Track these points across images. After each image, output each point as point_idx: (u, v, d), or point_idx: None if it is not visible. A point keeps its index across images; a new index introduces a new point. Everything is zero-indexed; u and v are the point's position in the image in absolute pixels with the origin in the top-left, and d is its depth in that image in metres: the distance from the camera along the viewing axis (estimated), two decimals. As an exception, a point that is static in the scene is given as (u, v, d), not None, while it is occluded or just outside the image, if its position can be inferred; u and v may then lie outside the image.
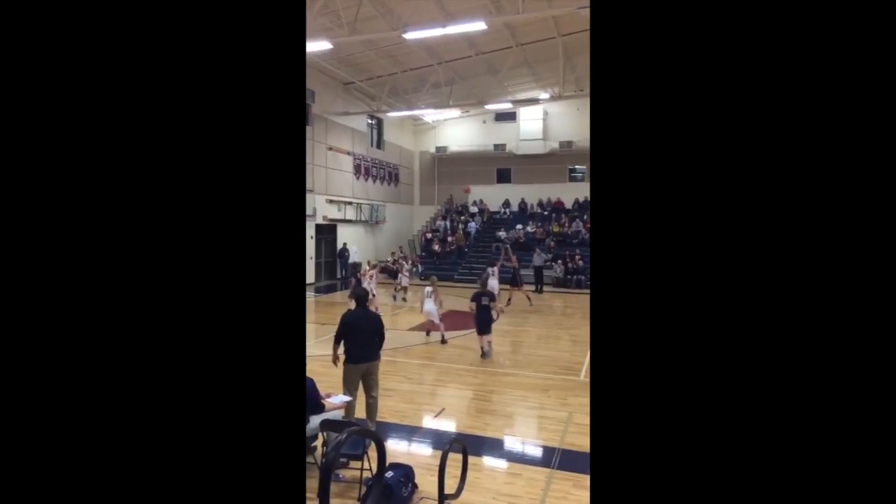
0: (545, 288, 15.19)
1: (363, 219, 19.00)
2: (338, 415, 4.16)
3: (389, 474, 3.33)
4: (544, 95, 18.26)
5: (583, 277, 15.56)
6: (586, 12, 9.43)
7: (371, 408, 4.62)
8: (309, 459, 3.81)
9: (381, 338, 4.63)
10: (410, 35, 10.74)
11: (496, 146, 21.35)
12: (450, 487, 3.19)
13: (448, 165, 22.83)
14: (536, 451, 4.43)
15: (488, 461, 4.22)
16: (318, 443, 3.92)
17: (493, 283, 11.18)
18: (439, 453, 4.24)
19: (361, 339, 4.50)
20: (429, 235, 20.41)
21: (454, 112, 20.31)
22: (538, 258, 15.71)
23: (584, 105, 19.30)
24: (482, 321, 7.57)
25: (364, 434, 3.40)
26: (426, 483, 3.70)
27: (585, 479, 3.87)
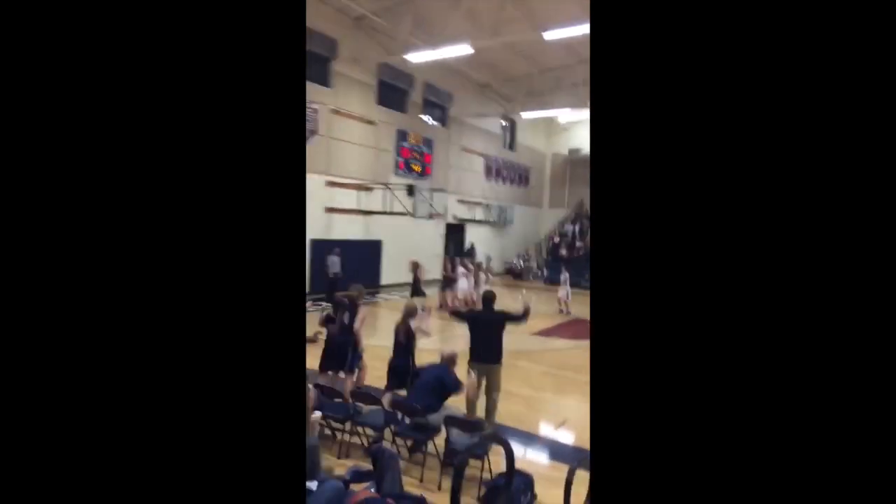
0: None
1: (492, 219, 19.16)
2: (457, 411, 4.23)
3: (510, 480, 3.29)
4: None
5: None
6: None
7: (490, 410, 4.63)
8: (430, 450, 3.93)
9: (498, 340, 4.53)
10: (551, 35, 10.55)
11: (635, 148, 20.10)
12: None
13: (580, 168, 22.06)
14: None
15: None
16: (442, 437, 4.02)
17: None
18: (559, 466, 4.11)
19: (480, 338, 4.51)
20: (556, 239, 19.93)
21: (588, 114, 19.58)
22: None
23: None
24: None
25: (495, 440, 3.40)
26: (545, 495, 3.60)
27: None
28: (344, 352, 5.05)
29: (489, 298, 4.80)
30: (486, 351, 4.52)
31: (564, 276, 12.06)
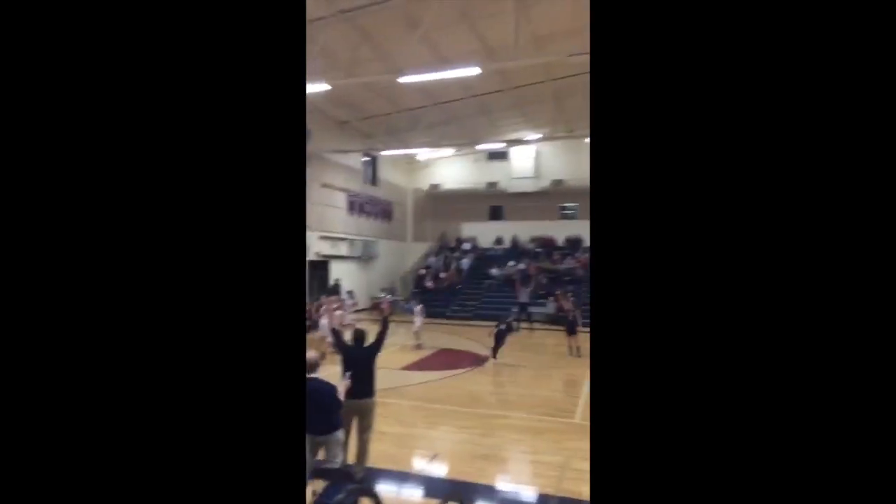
0: (536, 325, 15.13)
1: (356, 255, 19.00)
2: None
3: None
4: (535, 136, 18.68)
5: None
6: (575, 59, 9.79)
7: (362, 452, 4.52)
8: None
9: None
10: (405, 79, 11.05)
11: (489, 184, 21.67)
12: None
13: (441, 202, 23.07)
14: (531, 499, 4.33)
15: (483, 509, 4.10)
16: (308, 491, 3.81)
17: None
18: (433, 501, 4.13)
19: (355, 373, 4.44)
20: (422, 272, 20.41)
21: (448, 151, 20.70)
22: (523, 294, 15.72)
23: (575, 145, 19.77)
24: None
25: (364, 493, 3.31)
26: (419, 534, 3.58)
27: (582, 529, 3.77)
28: None
29: (360, 336, 4.76)
30: (361, 386, 4.44)
31: (418, 307, 12.36)
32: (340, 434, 4.17)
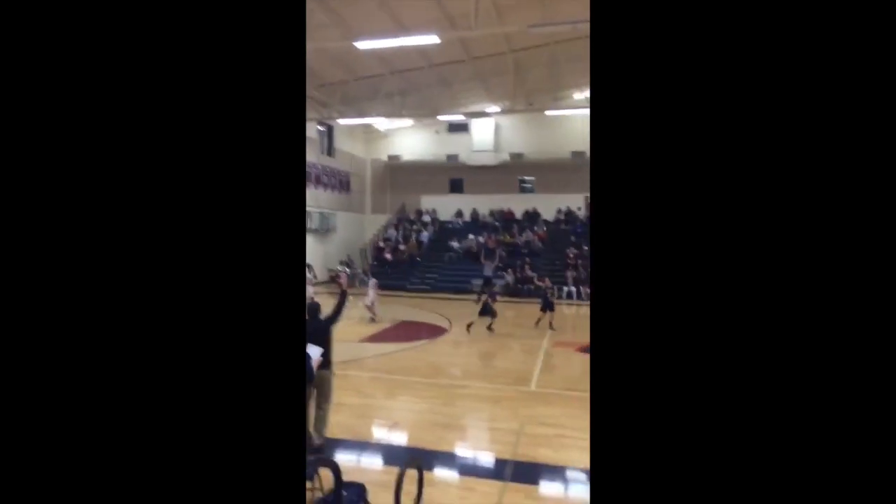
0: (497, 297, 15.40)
1: (313, 227, 18.60)
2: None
3: (342, 493, 3.25)
4: (496, 108, 18.60)
5: (530, 287, 15.90)
6: (536, 30, 9.72)
7: (320, 422, 4.52)
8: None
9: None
10: (363, 45, 10.69)
11: (449, 156, 21.53)
12: (404, 505, 3.16)
13: (400, 174, 22.79)
14: (489, 464, 4.46)
15: (442, 476, 4.20)
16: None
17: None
18: (392, 469, 4.20)
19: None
20: (381, 244, 20.25)
21: (407, 121, 20.37)
22: (488, 268, 15.94)
23: (535, 119, 19.83)
24: None
25: (321, 464, 3.30)
26: (380, 500, 3.64)
27: (537, 490, 3.93)
28: None
29: (314, 308, 4.71)
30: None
31: (372, 281, 12.34)
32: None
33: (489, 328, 10.02)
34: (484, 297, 10.59)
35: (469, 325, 10.11)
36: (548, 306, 10.71)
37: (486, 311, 10.06)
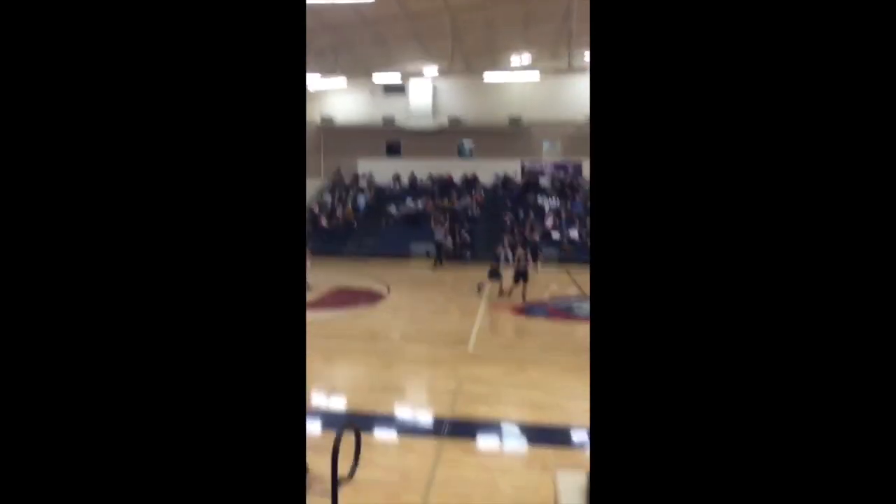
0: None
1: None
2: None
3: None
4: (433, 71, 18.21)
5: (468, 252, 16.10)
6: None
7: None
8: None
9: None
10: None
11: (385, 119, 20.99)
12: (343, 469, 3.16)
13: (335, 137, 22.00)
14: (427, 424, 4.55)
15: (381, 437, 4.24)
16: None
17: None
18: (330, 434, 4.18)
19: None
20: (315, 210, 19.65)
21: (340, 81, 19.53)
22: (439, 232, 15.94)
23: (473, 83, 19.64)
24: None
25: None
26: (318, 465, 3.62)
27: (474, 445, 4.06)
28: None
29: None
30: None
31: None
32: None
33: (500, 292, 10.09)
34: (494, 265, 11.52)
35: (479, 286, 10.56)
36: (521, 276, 9.91)
37: (494, 274, 10.80)
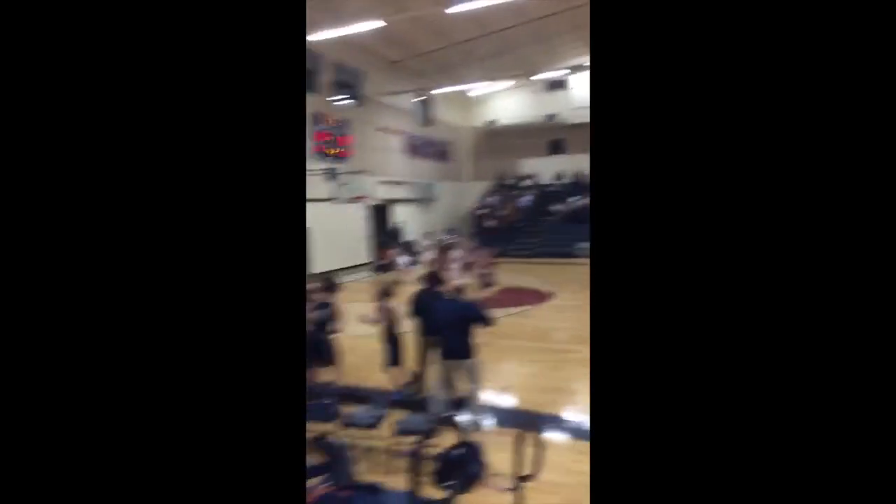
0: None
1: (415, 198, 19.11)
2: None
3: (459, 451, 3.38)
4: (597, 60, 17.44)
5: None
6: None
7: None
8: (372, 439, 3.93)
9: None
10: (454, 9, 10.50)
11: (548, 116, 20.76)
12: (518, 469, 3.21)
13: (498, 139, 22.46)
14: (604, 429, 4.37)
15: (555, 439, 4.20)
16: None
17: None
18: (504, 429, 4.28)
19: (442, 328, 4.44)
20: (480, 212, 20.29)
21: (503, 84, 19.88)
22: None
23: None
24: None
25: (446, 423, 3.45)
26: (495, 460, 3.74)
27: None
28: (322, 347, 4.95)
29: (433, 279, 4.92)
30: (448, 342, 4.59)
31: (473, 246, 12.54)
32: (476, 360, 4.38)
33: None
34: None
35: None
36: None
37: None
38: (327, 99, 14.93)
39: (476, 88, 20.17)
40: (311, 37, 12.20)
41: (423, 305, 4.79)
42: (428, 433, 3.70)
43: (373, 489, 2.67)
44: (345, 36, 12.47)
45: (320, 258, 13.99)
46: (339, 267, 13.66)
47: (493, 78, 17.12)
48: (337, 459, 2.75)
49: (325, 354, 5.03)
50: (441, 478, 3.61)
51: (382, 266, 11.88)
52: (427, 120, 20.04)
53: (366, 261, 16.33)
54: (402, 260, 10.43)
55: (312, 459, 3.29)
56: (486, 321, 4.46)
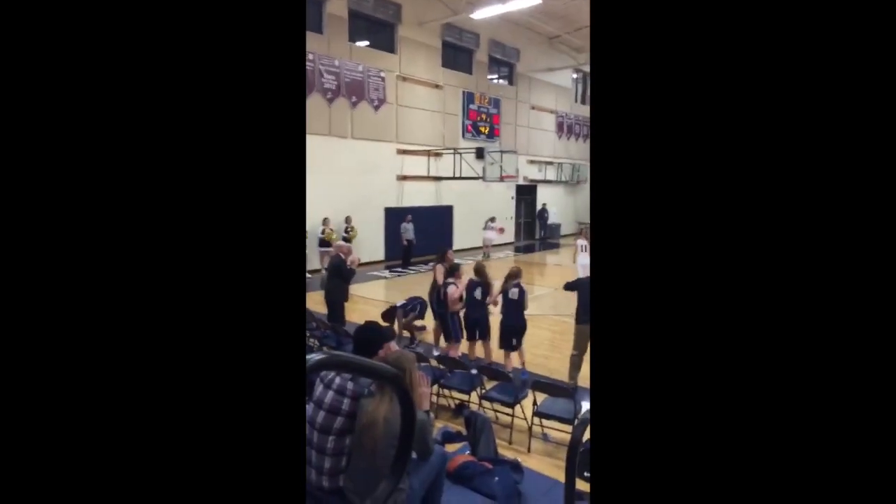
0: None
1: (564, 179, 18.56)
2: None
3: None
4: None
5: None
6: None
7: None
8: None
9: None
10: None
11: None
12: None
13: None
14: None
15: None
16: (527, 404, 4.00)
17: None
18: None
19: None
20: (634, 196, 18.98)
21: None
22: None
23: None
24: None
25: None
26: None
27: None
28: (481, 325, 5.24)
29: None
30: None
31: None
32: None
33: None
34: None
35: None
36: None
37: None
38: (484, 78, 15.07)
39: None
40: (470, 14, 12.34)
41: (579, 283, 4.75)
42: (570, 420, 3.61)
43: (516, 466, 2.68)
44: (503, 13, 12.39)
45: (466, 235, 14.40)
46: (479, 245, 13.94)
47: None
48: (480, 431, 2.81)
49: (478, 330, 5.19)
50: (581, 469, 3.51)
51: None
52: (583, 97, 19.17)
53: (512, 240, 16.40)
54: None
55: (455, 426, 3.42)
56: None
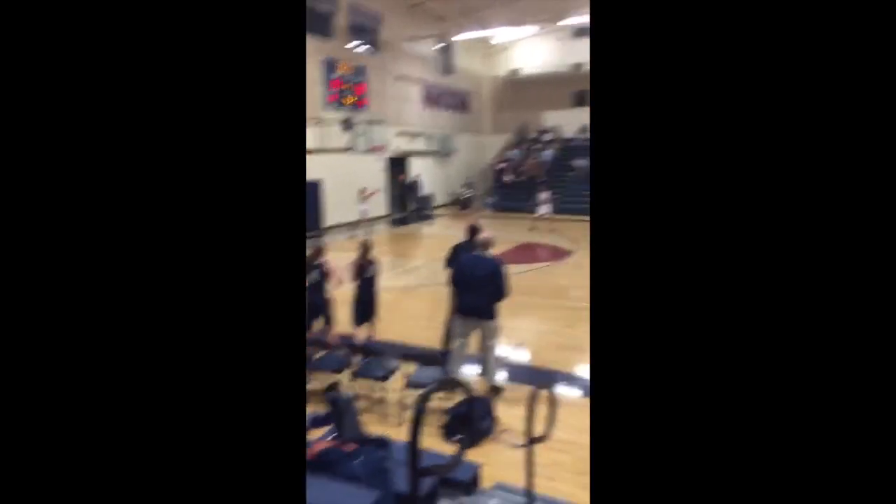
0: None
1: (434, 150, 18.72)
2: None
3: (468, 406, 3.32)
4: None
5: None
6: None
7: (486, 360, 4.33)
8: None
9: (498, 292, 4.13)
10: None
11: (573, 66, 19.84)
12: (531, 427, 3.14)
13: (521, 90, 21.65)
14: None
15: (569, 397, 4.13)
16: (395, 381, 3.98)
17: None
18: (516, 385, 4.23)
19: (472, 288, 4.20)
20: (500, 166, 19.84)
21: (528, 30, 18.90)
22: None
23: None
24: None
25: (453, 384, 3.33)
26: (506, 416, 3.69)
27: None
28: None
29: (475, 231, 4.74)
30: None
31: (544, 195, 12.60)
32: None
33: None
34: None
35: None
36: None
37: None
38: (344, 46, 14.40)
39: (499, 35, 19.26)
40: (327, -24, 11.62)
41: (456, 257, 4.67)
42: (438, 388, 3.65)
43: (381, 443, 2.62)
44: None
45: (336, 211, 13.91)
46: (354, 220, 13.58)
47: (517, 23, 16.26)
48: (343, 412, 2.70)
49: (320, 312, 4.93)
50: (449, 432, 3.59)
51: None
52: (447, 68, 19.31)
53: (383, 213, 16.22)
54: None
55: (319, 410, 3.27)
56: (501, 293, 4.23)
